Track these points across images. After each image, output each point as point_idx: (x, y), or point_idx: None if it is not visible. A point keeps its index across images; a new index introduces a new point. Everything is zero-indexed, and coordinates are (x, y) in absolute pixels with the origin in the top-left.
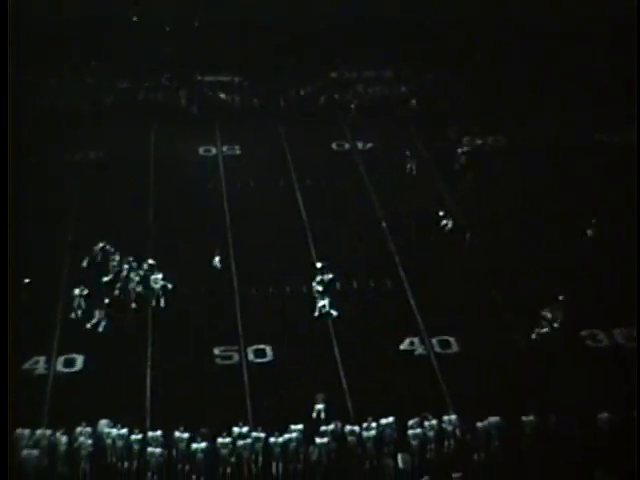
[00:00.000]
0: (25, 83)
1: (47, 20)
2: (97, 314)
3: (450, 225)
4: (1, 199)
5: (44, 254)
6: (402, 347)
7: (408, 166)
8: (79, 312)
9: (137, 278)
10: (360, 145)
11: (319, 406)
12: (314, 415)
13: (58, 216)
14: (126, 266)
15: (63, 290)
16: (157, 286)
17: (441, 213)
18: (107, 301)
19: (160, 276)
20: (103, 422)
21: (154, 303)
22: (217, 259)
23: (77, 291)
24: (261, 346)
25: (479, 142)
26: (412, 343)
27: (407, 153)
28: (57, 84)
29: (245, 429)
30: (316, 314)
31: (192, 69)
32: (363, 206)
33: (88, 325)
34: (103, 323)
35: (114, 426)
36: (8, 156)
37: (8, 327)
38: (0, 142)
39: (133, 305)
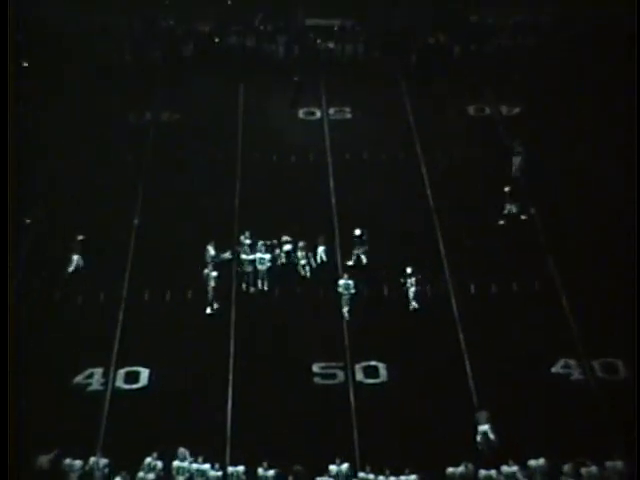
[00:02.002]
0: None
1: None
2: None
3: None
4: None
5: (104, 241)
6: (554, 370)
7: (514, 168)
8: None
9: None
10: (504, 110)
11: (483, 427)
12: (478, 439)
13: (122, 194)
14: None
15: (128, 284)
16: (263, 267)
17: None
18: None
19: (268, 257)
20: (181, 451)
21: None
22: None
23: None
24: (372, 363)
25: None
26: (567, 365)
27: (518, 149)
28: (123, 28)
29: (348, 467)
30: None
31: (293, 10)
32: (506, 186)
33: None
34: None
35: (186, 458)
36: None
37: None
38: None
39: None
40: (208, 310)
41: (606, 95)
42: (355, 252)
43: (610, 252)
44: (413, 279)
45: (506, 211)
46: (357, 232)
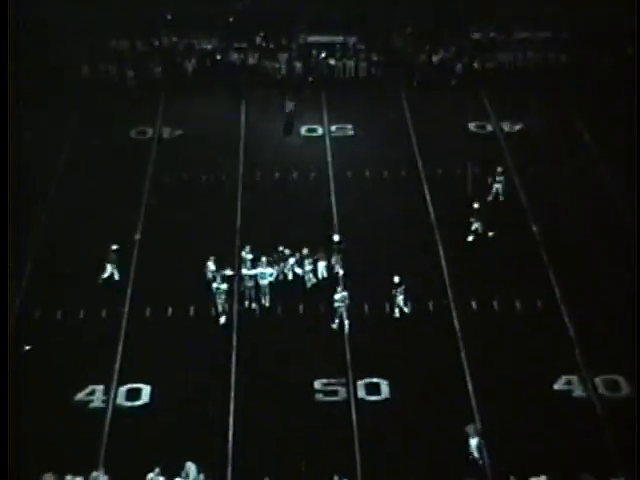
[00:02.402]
0: (84, 44)
1: None
2: None
3: None
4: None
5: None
6: (556, 387)
7: (494, 189)
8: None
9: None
10: (506, 126)
11: (473, 441)
12: (476, 455)
13: (123, 210)
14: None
15: (130, 299)
16: (264, 282)
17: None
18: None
19: (269, 271)
20: (188, 465)
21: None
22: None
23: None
24: (374, 380)
25: None
26: (569, 382)
27: (499, 169)
28: (124, 44)
29: None
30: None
31: (295, 27)
32: (511, 207)
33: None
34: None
35: (188, 476)
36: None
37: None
38: None
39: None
40: (223, 320)
41: (608, 109)
42: (334, 257)
43: (611, 269)
44: (401, 288)
45: (473, 227)
46: (336, 238)
